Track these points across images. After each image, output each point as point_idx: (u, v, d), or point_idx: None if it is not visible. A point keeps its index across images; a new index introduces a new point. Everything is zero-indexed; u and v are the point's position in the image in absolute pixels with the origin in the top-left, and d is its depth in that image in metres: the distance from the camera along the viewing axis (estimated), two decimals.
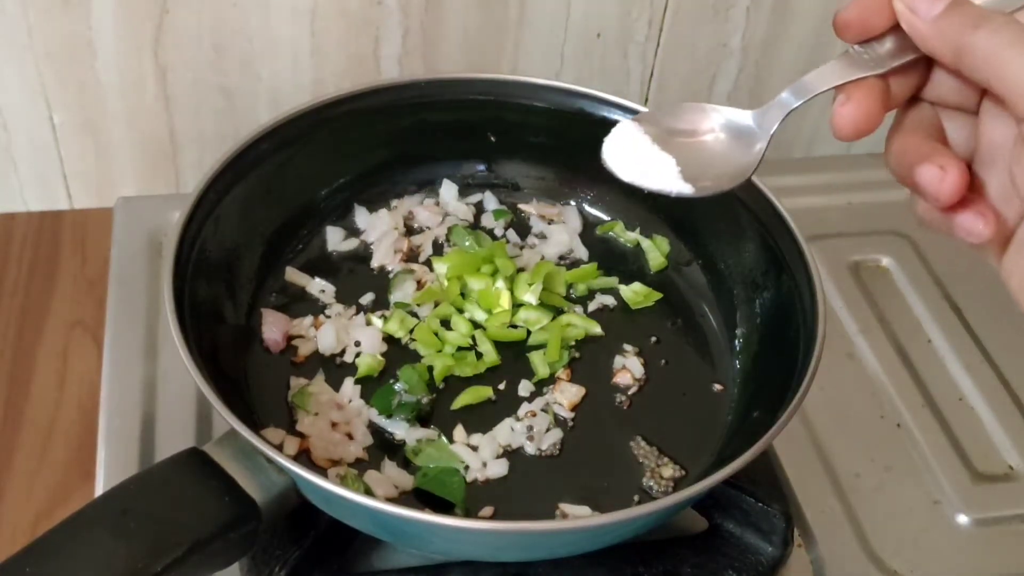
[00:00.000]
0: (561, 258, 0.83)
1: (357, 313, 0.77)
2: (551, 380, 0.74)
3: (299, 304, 0.77)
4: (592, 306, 0.79)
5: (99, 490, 0.71)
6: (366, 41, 0.91)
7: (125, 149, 0.94)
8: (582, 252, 0.83)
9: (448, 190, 0.85)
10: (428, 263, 0.81)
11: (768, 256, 0.74)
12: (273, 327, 0.74)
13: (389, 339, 0.75)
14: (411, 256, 0.82)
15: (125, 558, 0.53)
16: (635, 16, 0.95)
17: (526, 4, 0.92)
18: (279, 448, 0.63)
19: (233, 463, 0.59)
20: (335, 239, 0.81)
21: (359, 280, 0.79)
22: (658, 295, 0.80)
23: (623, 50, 0.97)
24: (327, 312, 0.77)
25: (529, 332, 0.76)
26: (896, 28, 0.47)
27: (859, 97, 0.47)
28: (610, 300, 0.80)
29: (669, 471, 0.69)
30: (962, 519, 0.74)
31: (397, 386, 0.71)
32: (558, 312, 0.77)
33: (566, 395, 0.72)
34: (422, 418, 0.70)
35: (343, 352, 0.74)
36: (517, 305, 0.77)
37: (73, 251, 0.90)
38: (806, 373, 0.63)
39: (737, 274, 0.78)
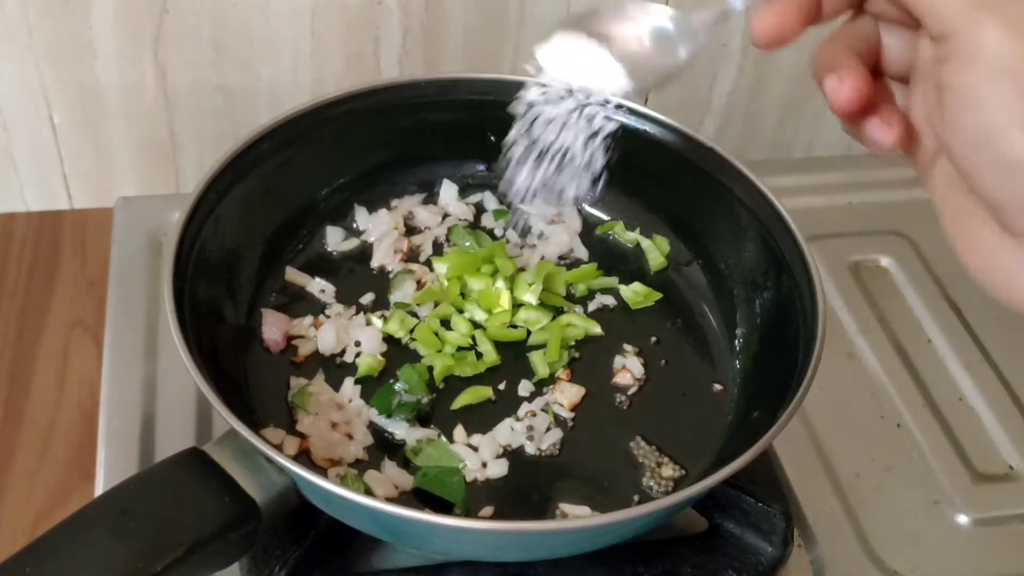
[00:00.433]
0: (561, 258, 0.83)
1: (357, 313, 0.77)
2: (551, 380, 0.74)
3: (299, 304, 0.77)
4: (592, 306, 0.79)
5: (99, 490, 0.71)
6: (366, 41, 0.91)
7: (125, 149, 0.94)
8: (582, 252, 0.83)
9: (448, 190, 0.85)
10: (428, 263, 0.81)
11: (768, 256, 0.74)
12: (273, 327, 0.74)
13: (389, 339, 0.75)
14: (411, 256, 0.82)
15: (125, 558, 0.53)
16: None
17: (526, 4, 0.92)
18: (279, 448, 0.63)
19: (233, 463, 0.59)
20: (335, 239, 0.81)
21: (359, 280, 0.79)
22: (658, 295, 0.80)
23: None
24: (327, 312, 0.77)
25: (529, 332, 0.76)
26: None
27: (780, 6, 0.47)
28: (610, 300, 0.80)
29: (669, 471, 0.69)
30: (962, 519, 0.74)
31: (397, 386, 0.71)
32: (558, 312, 0.77)
33: (566, 395, 0.72)
34: (422, 418, 0.70)
35: (343, 352, 0.74)
36: (517, 305, 0.77)
37: (73, 251, 0.90)
38: (806, 373, 0.63)
39: (737, 274, 0.78)
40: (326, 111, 0.77)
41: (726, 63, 0.99)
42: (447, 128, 0.83)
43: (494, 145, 0.84)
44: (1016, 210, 0.43)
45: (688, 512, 0.69)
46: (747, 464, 0.58)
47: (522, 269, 0.79)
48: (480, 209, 0.86)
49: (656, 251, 0.82)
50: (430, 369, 0.72)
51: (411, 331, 0.75)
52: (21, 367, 0.81)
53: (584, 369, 0.75)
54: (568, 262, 0.83)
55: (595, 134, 0.58)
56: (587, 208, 0.86)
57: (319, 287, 0.78)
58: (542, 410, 0.71)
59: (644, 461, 0.69)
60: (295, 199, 0.80)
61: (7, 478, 0.74)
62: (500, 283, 0.76)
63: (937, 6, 0.43)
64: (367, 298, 0.78)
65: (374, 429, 0.70)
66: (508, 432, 0.70)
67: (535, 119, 0.59)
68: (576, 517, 0.65)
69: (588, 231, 0.85)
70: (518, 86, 0.80)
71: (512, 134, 0.60)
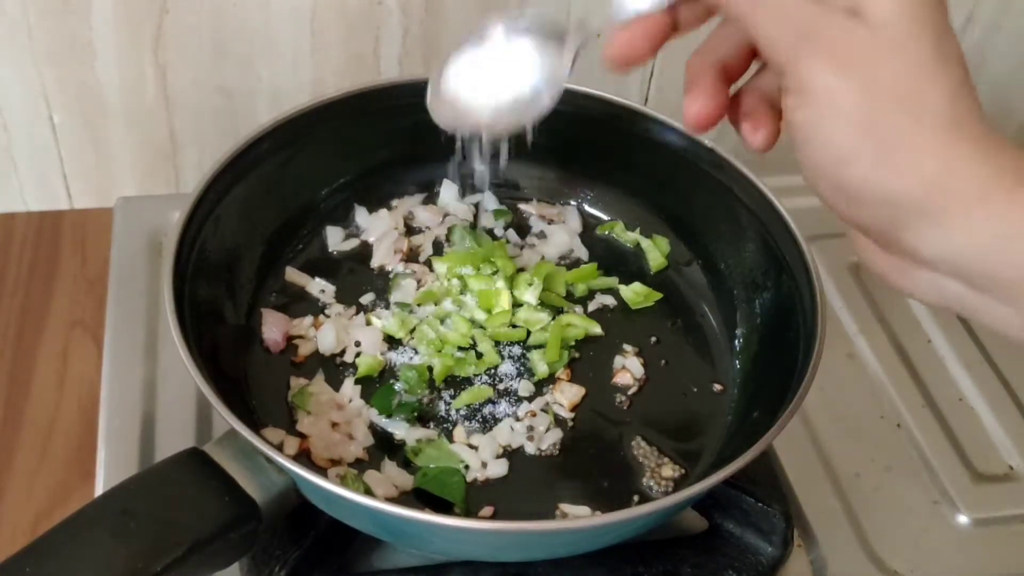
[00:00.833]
0: (561, 258, 0.83)
1: (357, 313, 0.77)
2: (551, 380, 0.74)
3: (299, 304, 0.77)
4: (592, 306, 0.79)
5: (99, 490, 0.71)
6: (366, 41, 0.91)
7: (125, 149, 0.94)
8: (582, 252, 0.83)
9: (448, 190, 0.85)
10: (428, 263, 0.81)
11: (768, 256, 0.74)
12: (273, 327, 0.74)
13: (389, 339, 0.75)
14: (411, 256, 0.82)
15: (125, 558, 0.53)
16: None
17: (526, 4, 0.92)
18: (279, 448, 0.63)
19: (233, 463, 0.59)
20: (335, 239, 0.81)
21: (359, 280, 0.79)
22: (658, 295, 0.80)
23: None
24: (327, 312, 0.77)
25: (529, 332, 0.76)
26: None
27: (629, 33, 0.48)
28: (610, 300, 0.80)
29: (669, 471, 0.69)
30: (962, 519, 0.74)
31: (397, 386, 0.71)
32: (558, 312, 0.77)
33: (566, 395, 0.72)
34: (422, 418, 0.70)
35: (343, 352, 0.74)
36: (517, 305, 0.77)
37: (73, 251, 0.90)
38: (806, 373, 0.63)
39: (737, 274, 0.78)
40: (326, 111, 0.77)
41: None
42: None
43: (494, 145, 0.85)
44: (876, 234, 0.45)
45: (688, 512, 0.69)
46: (747, 464, 0.58)
47: (522, 269, 0.79)
48: (480, 209, 0.86)
49: (656, 251, 0.82)
50: (430, 369, 0.72)
51: (411, 331, 0.75)
52: (21, 367, 0.81)
53: (584, 369, 0.75)
54: (568, 262, 0.83)
55: None
56: (587, 208, 0.86)
57: (319, 287, 0.78)
58: (542, 410, 0.71)
59: (644, 461, 0.69)
60: (295, 199, 0.80)
61: (7, 478, 0.74)
62: (500, 283, 0.76)
63: (771, 40, 0.44)
64: (367, 298, 0.78)
65: (374, 429, 0.70)
66: (508, 432, 0.70)
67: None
68: (576, 517, 0.65)
69: (588, 231, 0.85)
70: None
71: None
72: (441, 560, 0.66)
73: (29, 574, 0.52)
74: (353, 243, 0.82)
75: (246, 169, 0.74)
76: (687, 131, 0.49)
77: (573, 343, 0.76)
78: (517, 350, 0.75)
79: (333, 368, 0.73)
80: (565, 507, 0.66)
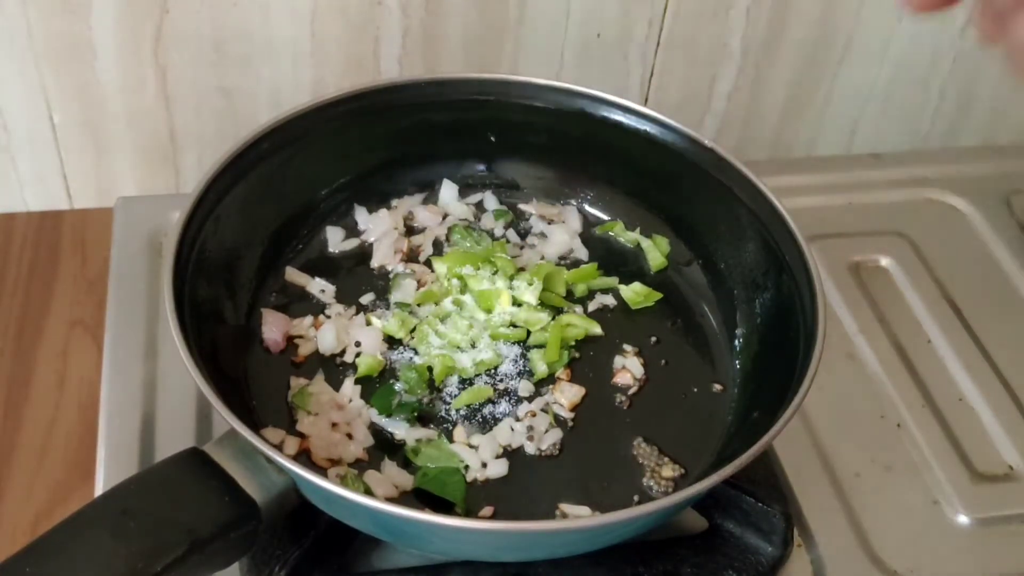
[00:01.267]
0: (561, 258, 0.83)
1: (357, 313, 0.77)
2: (551, 380, 0.74)
3: (299, 304, 0.77)
4: (592, 306, 0.79)
5: (99, 490, 0.71)
6: (366, 41, 0.91)
7: (125, 149, 0.94)
8: (582, 252, 0.83)
9: (448, 190, 0.85)
10: (428, 263, 0.81)
11: (768, 256, 0.74)
12: (273, 327, 0.74)
13: (389, 339, 0.75)
14: (411, 256, 0.82)
15: (125, 558, 0.53)
16: (635, 16, 0.95)
17: (526, 4, 0.92)
18: (279, 448, 0.63)
19: (233, 463, 0.59)
20: (335, 239, 0.81)
21: (359, 280, 0.79)
22: (658, 295, 0.80)
23: (623, 50, 0.97)
24: (327, 312, 0.77)
25: (529, 332, 0.76)
26: None
27: None
28: (610, 300, 0.80)
29: (669, 471, 0.69)
30: (962, 519, 0.74)
31: (397, 386, 0.71)
32: (558, 312, 0.77)
33: (566, 395, 0.72)
34: (422, 418, 0.70)
35: (343, 352, 0.74)
36: (517, 305, 0.77)
37: (73, 251, 0.90)
38: (806, 373, 0.63)
39: (737, 274, 0.78)
40: (326, 111, 0.77)
41: (726, 63, 0.99)
42: (447, 128, 0.83)
43: (494, 145, 0.85)
44: None
45: (688, 512, 0.69)
46: (747, 464, 0.58)
47: (522, 269, 0.79)
48: (480, 209, 0.86)
49: (656, 251, 0.82)
50: (430, 369, 0.72)
51: (411, 331, 0.75)
52: (21, 367, 0.81)
53: (584, 369, 0.75)
54: (568, 262, 0.83)
55: None
56: (587, 208, 0.86)
57: (319, 287, 0.78)
58: (542, 410, 0.71)
59: (644, 461, 0.69)
60: (295, 199, 0.80)
61: (7, 478, 0.74)
62: (500, 283, 0.76)
63: None
64: (367, 298, 0.78)
65: (374, 429, 0.70)
66: (508, 432, 0.70)
67: None
68: (576, 517, 0.65)
69: (588, 231, 0.85)
70: (518, 86, 0.82)
71: None
72: (441, 560, 0.66)
73: (29, 574, 0.52)
74: (353, 243, 0.82)
75: (246, 169, 0.74)
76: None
77: (573, 343, 0.76)
78: (517, 350, 0.75)
79: (333, 368, 0.73)
80: (565, 507, 0.66)
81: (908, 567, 0.71)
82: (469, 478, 0.67)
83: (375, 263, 0.81)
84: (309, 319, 0.75)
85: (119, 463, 0.72)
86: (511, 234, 0.84)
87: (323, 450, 0.67)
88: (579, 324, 0.77)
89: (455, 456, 0.68)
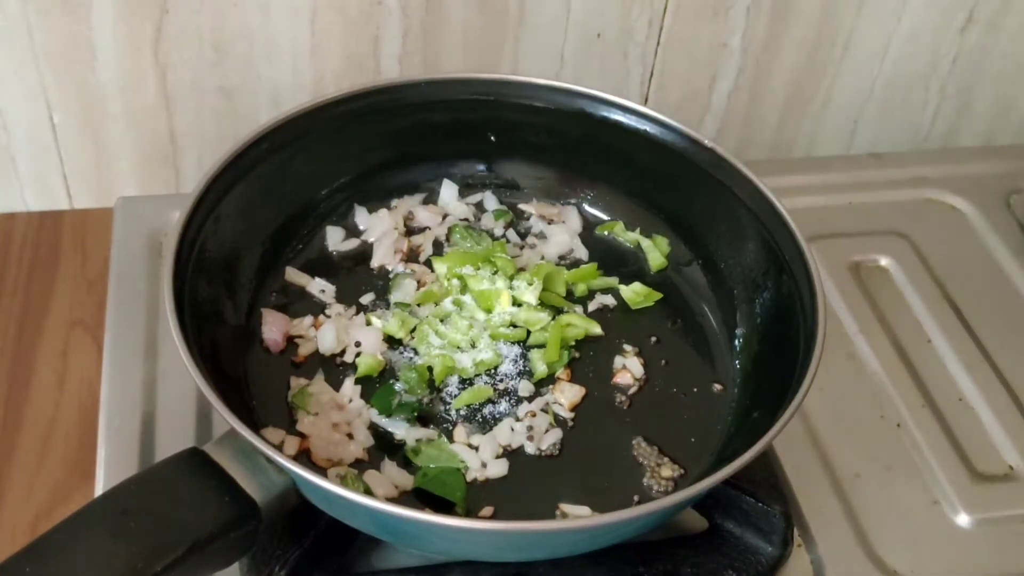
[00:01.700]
0: (561, 258, 0.83)
1: (357, 313, 0.77)
2: (551, 380, 0.74)
3: (299, 304, 0.77)
4: (592, 306, 0.79)
5: (99, 490, 0.71)
6: (366, 41, 0.91)
7: (125, 149, 0.94)
8: (582, 252, 0.83)
9: (448, 190, 0.85)
10: (428, 263, 0.81)
11: (768, 256, 0.74)
12: (273, 327, 0.74)
13: (389, 339, 0.75)
14: (411, 256, 0.82)
15: (125, 558, 0.53)
16: (635, 16, 0.95)
17: (526, 4, 0.92)
18: (279, 448, 0.63)
19: (233, 463, 0.59)
20: (335, 239, 0.81)
21: (359, 280, 0.79)
22: (658, 295, 0.80)
23: (623, 50, 0.97)
24: (327, 312, 0.76)
25: (529, 332, 0.76)
26: None
27: None
28: (610, 300, 0.80)
29: (669, 471, 0.69)
30: (962, 519, 0.74)
31: (397, 386, 0.71)
32: (558, 312, 0.77)
33: (566, 395, 0.72)
34: (422, 418, 0.70)
35: (343, 352, 0.74)
36: (517, 305, 0.77)
37: (73, 251, 0.90)
38: (806, 373, 0.63)
39: (737, 274, 0.78)
40: (326, 111, 0.77)
41: (726, 63, 0.99)
42: (447, 128, 0.83)
43: (494, 145, 0.85)
44: None
45: (688, 512, 0.69)
46: (747, 464, 0.58)
47: (522, 269, 0.79)
48: (480, 209, 0.86)
49: (656, 251, 0.82)
50: (430, 369, 0.72)
51: (411, 331, 0.75)
52: (21, 367, 0.81)
53: (584, 369, 0.75)
54: (568, 262, 0.83)
55: None
56: (587, 208, 0.86)
57: (319, 287, 0.78)
58: (542, 410, 0.71)
59: (644, 461, 0.69)
60: (295, 199, 0.80)
61: (7, 478, 0.74)
62: (500, 283, 0.76)
63: None
64: (367, 298, 0.78)
65: (374, 429, 0.70)
66: (508, 432, 0.70)
67: None
68: (576, 517, 0.65)
69: (588, 231, 0.85)
70: (518, 86, 0.82)
71: None
72: (441, 560, 0.66)
73: (29, 574, 0.52)
74: (353, 243, 0.82)
75: (246, 169, 0.74)
76: None
77: (573, 343, 0.76)
78: (517, 350, 0.75)
79: (333, 368, 0.73)
80: (565, 507, 0.66)
81: (908, 567, 0.71)
82: (469, 478, 0.67)
83: (375, 263, 0.81)
84: (309, 319, 0.75)
85: (119, 463, 0.72)
86: (511, 234, 0.84)
87: (323, 450, 0.67)
88: (579, 324, 0.77)
89: (455, 456, 0.68)
